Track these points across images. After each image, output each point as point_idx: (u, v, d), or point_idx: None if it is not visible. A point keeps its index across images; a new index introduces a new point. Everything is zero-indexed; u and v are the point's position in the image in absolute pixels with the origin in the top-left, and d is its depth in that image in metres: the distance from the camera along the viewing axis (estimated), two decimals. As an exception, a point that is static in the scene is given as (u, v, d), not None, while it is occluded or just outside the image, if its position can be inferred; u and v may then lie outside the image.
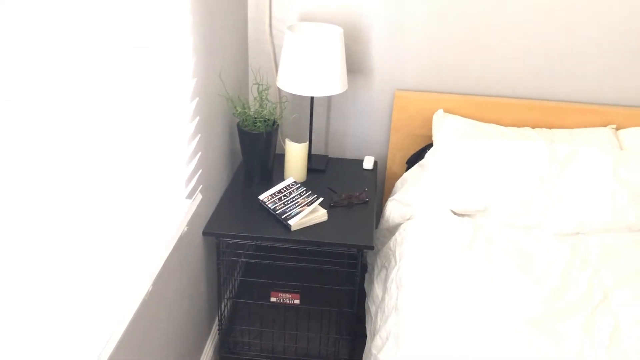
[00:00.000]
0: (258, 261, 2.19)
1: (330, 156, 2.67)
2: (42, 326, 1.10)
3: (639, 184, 2.07)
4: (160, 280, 1.66)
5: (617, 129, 2.38)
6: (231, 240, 2.09)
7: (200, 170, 1.95)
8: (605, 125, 2.39)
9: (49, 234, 1.09)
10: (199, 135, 1.90)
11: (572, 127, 2.39)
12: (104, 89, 1.23)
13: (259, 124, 2.25)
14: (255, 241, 2.08)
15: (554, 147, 2.17)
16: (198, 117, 1.87)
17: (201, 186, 1.98)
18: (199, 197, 1.95)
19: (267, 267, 2.17)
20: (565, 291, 1.79)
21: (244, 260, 2.27)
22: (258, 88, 2.39)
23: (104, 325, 1.31)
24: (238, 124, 2.26)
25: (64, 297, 1.16)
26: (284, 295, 2.27)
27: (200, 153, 1.93)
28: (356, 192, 2.29)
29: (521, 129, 2.37)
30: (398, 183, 2.42)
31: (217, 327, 2.33)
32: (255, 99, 2.42)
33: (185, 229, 1.83)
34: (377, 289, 2.12)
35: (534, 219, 2.07)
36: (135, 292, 1.45)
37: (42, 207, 1.06)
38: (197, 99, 1.84)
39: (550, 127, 2.40)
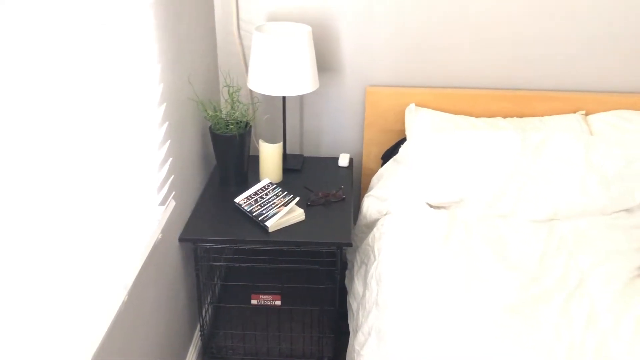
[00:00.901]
0: (237, 265, 2.17)
1: (305, 155, 2.66)
2: (5, 347, 1.07)
3: (609, 169, 2.10)
4: (136, 289, 1.64)
5: (587, 114, 2.41)
6: (208, 245, 2.08)
7: (173, 176, 1.93)
8: (574, 112, 2.41)
9: (12, 247, 1.07)
10: (169, 140, 1.88)
11: (542, 115, 2.41)
12: (65, 97, 1.21)
13: (231, 126, 2.23)
14: (233, 245, 2.07)
15: (525, 136, 2.19)
16: (167, 123, 1.85)
17: (174, 192, 1.96)
18: (172, 203, 1.92)
19: (247, 270, 2.15)
20: (542, 277, 1.81)
21: (224, 264, 2.25)
22: (229, 90, 2.37)
23: (77, 339, 1.29)
24: (210, 128, 2.24)
25: (32, 312, 1.13)
26: (265, 297, 2.26)
27: (171, 159, 1.91)
28: (333, 190, 2.29)
29: (492, 119, 2.38)
30: (374, 179, 2.42)
31: (199, 333, 2.31)
32: (226, 101, 2.41)
33: (160, 237, 1.81)
34: (358, 286, 2.13)
35: (508, 208, 2.09)
36: (109, 304, 1.43)
37: (5, 218, 1.04)
38: (165, 104, 1.82)
39: (520, 116, 2.43)
